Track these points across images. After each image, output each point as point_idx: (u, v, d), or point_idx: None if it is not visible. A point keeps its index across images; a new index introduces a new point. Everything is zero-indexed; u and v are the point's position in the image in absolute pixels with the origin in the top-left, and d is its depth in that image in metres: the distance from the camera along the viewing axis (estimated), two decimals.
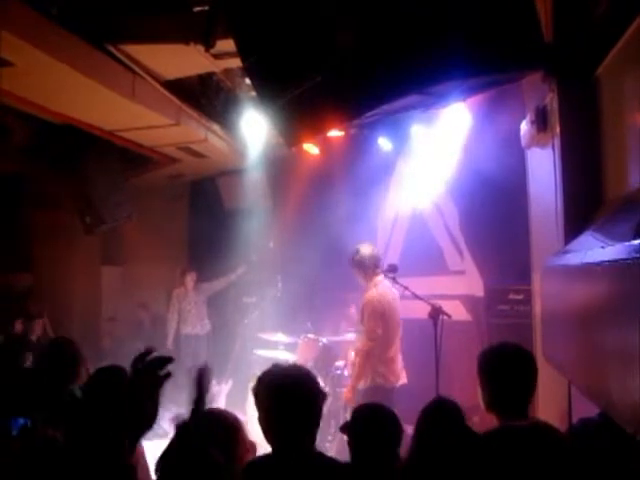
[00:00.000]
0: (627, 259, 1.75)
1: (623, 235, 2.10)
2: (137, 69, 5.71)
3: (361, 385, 5.27)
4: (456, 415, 2.62)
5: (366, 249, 5.56)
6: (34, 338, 7.65)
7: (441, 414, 2.63)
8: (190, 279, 8.91)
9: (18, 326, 7.61)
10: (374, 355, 5.24)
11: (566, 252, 3.13)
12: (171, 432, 2.71)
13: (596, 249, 2.31)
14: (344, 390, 5.57)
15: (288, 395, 2.34)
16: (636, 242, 1.75)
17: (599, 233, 2.71)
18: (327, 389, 5.79)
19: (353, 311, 7.31)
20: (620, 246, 1.93)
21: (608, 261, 1.97)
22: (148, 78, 5.88)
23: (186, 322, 8.86)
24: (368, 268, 5.48)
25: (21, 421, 3.02)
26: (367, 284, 5.49)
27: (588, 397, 2.55)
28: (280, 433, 2.34)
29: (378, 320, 5.25)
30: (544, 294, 3.76)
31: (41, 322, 7.91)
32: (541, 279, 3.99)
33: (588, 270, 2.27)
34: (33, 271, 9.15)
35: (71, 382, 3.48)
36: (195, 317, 8.89)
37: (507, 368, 2.77)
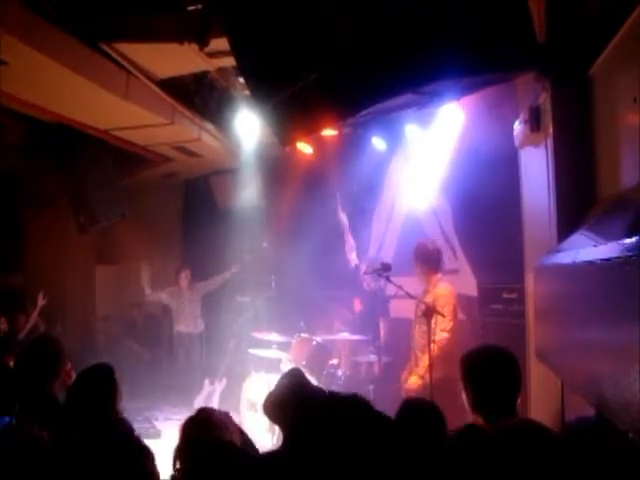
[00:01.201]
0: (619, 257, 1.76)
1: (615, 234, 2.11)
2: (131, 68, 5.71)
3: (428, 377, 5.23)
4: (430, 414, 2.63)
5: (432, 244, 5.75)
6: (21, 335, 7.62)
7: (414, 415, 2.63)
8: (184, 277, 8.91)
9: (3, 325, 7.57)
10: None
11: (559, 251, 3.13)
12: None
13: (588, 248, 2.32)
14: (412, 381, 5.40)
15: None
16: (628, 240, 1.75)
17: (592, 232, 2.71)
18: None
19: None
20: (612, 245, 1.94)
21: (600, 259, 1.98)
22: (142, 77, 5.87)
23: (179, 320, 8.86)
24: (433, 262, 5.61)
25: (6, 419, 3.01)
26: (429, 279, 5.58)
27: (581, 395, 2.56)
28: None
29: (454, 315, 5.43)
30: (537, 293, 3.77)
31: (24, 318, 7.87)
32: (534, 278, 4.00)
33: (580, 269, 2.28)
34: (26, 271, 9.13)
35: (51, 381, 3.44)
36: (189, 315, 8.89)
37: (490, 370, 2.79)
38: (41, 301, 7.87)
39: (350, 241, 7.12)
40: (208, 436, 2.57)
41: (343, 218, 7.12)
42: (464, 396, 2.88)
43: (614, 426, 2.03)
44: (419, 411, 2.69)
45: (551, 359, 3.28)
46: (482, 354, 2.95)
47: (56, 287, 8.84)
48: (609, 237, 2.18)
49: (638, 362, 1.60)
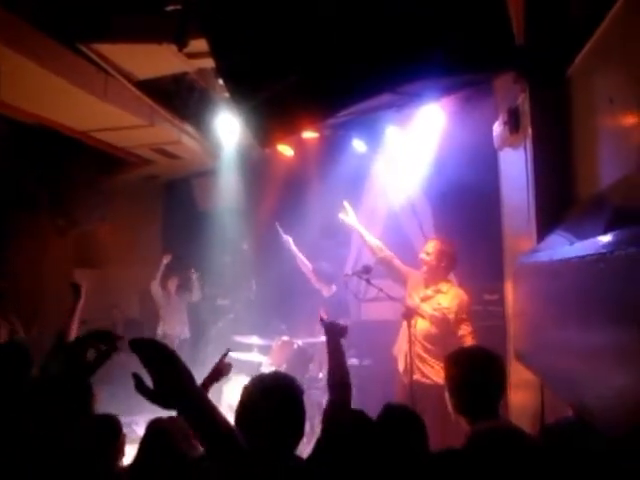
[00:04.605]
0: (593, 255, 1.76)
1: (592, 232, 2.11)
2: (109, 69, 5.65)
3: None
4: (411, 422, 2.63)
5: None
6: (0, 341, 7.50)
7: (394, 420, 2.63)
8: (172, 284, 9.00)
9: None
10: None
11: (536, 251, 3.15)
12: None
13: (564, 246, 2.32)
14: None
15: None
16: (602, 238, 1.76)
17: (569, 231, 2.72)
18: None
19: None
20: (587, 242, 1.94)
21: (575, 257, 1.98)
22: (121, 78, 5.82)
23: (166, 322, 8.97)
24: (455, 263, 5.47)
25: None
26: (442, 279, 5.41)
27: (559, 396, 2.56)
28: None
29: None
30: (515, 293, 3.78)
31: (4, 324, 7.75)
32: (512, 278, 4.01)
33: (556, 267, 2.28)
34: (4, 274, 9.00)
35: (17, 387, 3.36)
36: (177, 321, 8.98)
37: (473, 372, 2.78)
38: None
39: (303, 260, 7.08)
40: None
41: (289, 244, 7.09)
42: (447, 397, 2.87)
43: (592, 426, 2.03)
44: (400, 417, 2.68)
45: (529, 359, 3.29)
46: (465, 355, 2.94)
47: (34, 291, 8.74)
48: (585, 236, 2.19)
49: (612, 360, 1.60)
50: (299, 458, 2.35)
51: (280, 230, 7.01)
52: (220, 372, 3.61)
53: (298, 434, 2.35)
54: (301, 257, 7.06)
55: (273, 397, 2.31)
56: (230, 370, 3.68)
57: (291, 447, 2.32)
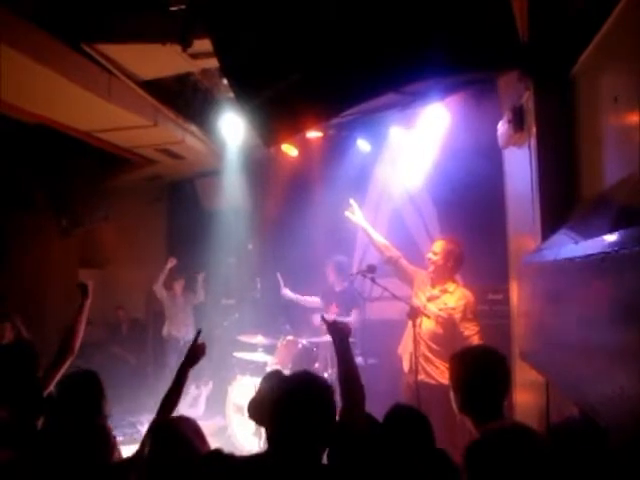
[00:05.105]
0: (598, 254, 1.75)
1: (597, 232, 2.11)
2: (113, 69, 5.66)
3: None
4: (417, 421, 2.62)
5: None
6: (5, 343, 7.51)
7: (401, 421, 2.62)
8: (178, 285, 9.08)
9: None
10: None
11: (541, 250, 3.14)
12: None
13: (569, 245, 2.31)
14: None
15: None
16: (606, 237, 1.75)
17: (573, 230, 2.72)
18: None
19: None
20: (592, 242, 1.94)
21: (580, 256, 1.97)
22: (124, 78, 5.83)
23: (172, 323, 9.00)
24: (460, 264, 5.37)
25: None
26: (448, 279, 5.32)
27: (564, 394, 2.55)
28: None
29: None
30: (519, 292, 3.78)
31: (9, 325, 7.76)
32: (517, 277, 4.00)
33: (561, 266, 2.28)
34: (8, 274, 9.02)
35: (25, 388, 3.36)
36: (182, 321, 8.99)
37: (478, 371, 2.77)
38: None
39: (307, 300, 7.38)
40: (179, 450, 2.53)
41: (288, 294, 7.38)
42: (452, 396, 2.87)
43: (597, 424, 2.03)
44: (407, 417, 2.67)
45: (534, 358, 3.28)
46: (470, 355, 2.94)
47: (37, 292, 8.75)
48: (590, 235, 2.18)
49: (617, 359, 1.59)
50: (322, 463, 2.34)
51: (280, 281, 7.32)
52: (195, 354, 3.54)
53: (327, 437, 2.31)
54: (303, 298, 7.36)
55: (307, 398, 2.28)
56: (205, 351, 3.59)
57: (318, 450, 2.30)
